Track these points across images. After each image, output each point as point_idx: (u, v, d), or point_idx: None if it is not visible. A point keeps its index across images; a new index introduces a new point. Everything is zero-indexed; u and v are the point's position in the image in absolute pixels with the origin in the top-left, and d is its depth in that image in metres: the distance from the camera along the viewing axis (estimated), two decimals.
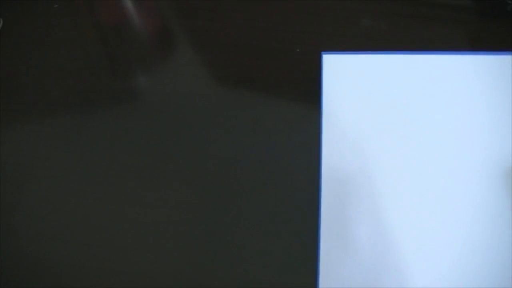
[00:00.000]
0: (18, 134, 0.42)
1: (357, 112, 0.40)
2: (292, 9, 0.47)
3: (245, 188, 0.38)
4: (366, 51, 0.43)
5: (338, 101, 0.40)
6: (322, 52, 0.43)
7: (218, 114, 0.42)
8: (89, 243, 0.37)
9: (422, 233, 0.35)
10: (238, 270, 0.35)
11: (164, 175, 0.40)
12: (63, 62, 0.46)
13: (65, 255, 0.37)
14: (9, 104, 0.44)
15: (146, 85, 0.44)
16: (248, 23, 0.47)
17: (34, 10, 0.49)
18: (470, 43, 0.43)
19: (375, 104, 0.40)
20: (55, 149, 0.41)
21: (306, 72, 0.43)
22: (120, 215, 0.38)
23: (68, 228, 0.38)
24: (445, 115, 0.39)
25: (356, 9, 0.46)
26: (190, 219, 0.38)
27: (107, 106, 0.43)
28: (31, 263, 0.37)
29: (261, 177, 0.39)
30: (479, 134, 0.38)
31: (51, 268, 0.36)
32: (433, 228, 0.35)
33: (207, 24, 0.47)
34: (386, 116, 0.40)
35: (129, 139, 0.41)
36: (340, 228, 0.36)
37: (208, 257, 0.36)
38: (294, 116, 0.41)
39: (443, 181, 0.37)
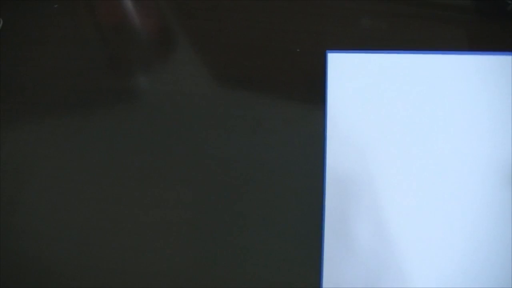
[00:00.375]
0: (18, 134, 0.42)
1: (361, 111, 0.40)
2: (292, 9, 0.47)
3: (246, 188, 0.38)
4: (367, 51, 0.43)
5: (342, 100, 0.41)
6: (327, 51, 0.43)
7: (218, 114, 0.42)
8: (89, 243, 0.37)
9: (425, 234, 0.35)
10: (240, 270, 0.35)
11: (164, 175, 0.39)
12: (63, 62, 0.46)
13: (65, 255, 0.37)
14: (9, 104, 0.44)
15: (146, 85, 0.44)
16: (248, 23, 0.47)
17: (34, 10, 0.49)
18: (470, 43, 0.43)
19: (379, 103, 0.40)
20: (55, 149, 0.41)
21: (306, 72, 0.43)
22: (120, 215, 0.38)
23: (68, 228, 0.38)
24: (448, 116, 0.39)
25: (356, 9, 0.46)
26: (190, 219, 0.38)
27: (107, 106, 0.43)
28: (31, 263, 0.37)
29: (262, 177, 0.39)
30: (481, 134, 0.38)
31: (51, 268, 0.36)
32: (436, 229, 0.35)
33: (207, 24, 0.47)
34: (390, 116, 0.40)
35: (129, 139, 0.41)
36: (344, 228, 0.36)
37: (209, 257, 0.36)
38: (294, 116, 0.41)
39: (445, 182, 0.37)
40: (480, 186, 0.36)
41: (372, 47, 0.43)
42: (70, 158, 0.41)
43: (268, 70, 0.44)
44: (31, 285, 0.36)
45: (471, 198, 0.36)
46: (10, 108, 0.44)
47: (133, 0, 0.50)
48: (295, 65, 0.44)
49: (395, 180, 0.37)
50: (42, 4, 0.49)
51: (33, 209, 0.39)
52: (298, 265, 0.35)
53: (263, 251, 0.36)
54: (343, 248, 0.35)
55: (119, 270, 0.36)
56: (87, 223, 0.38)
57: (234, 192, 0.38)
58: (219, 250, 0.36)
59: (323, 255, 0.35)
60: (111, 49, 0.47)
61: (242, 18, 0.47)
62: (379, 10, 0.46)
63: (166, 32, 0.48)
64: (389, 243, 0.35)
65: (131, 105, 0.43)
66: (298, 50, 0.44)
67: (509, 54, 0.41)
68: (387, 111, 0.40)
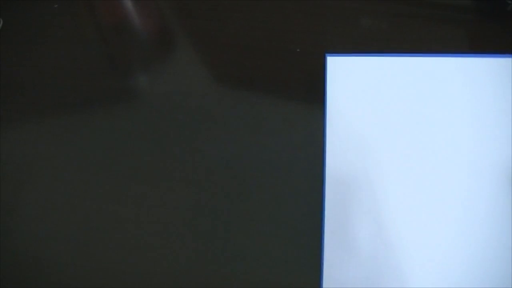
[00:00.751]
0: (18, 134, 0.42)
1: (360, 114, 0.40)
2: (292, 9, 0.47)
3: (246, 188, 0.38)
4: (367, 51, 0.43)
5: (342, 103, 0.41)
6: (326, 54, 0.43)
7: (218, 114, 0.42)
8: (88, 243, 0.37)
9: (425, 235, 0.35)
10: (240, 271, 0.35)
11: (164, 175, 0.39)
12: (63, 62, 0.46)
13: (65, 255, 0.37)
14: (9, 104, 0.44)
15: (146, 85, 0.44)
16: (248, 23, 0.47)
17: (34, 10, 0.49)
18: (470, 43, 0.43)
19: (378, 106, 0.40)
20: (55, 149, 0.41)
21: (306, 72, 0.43)
22: (120, 215, 0.38)
23: (68, 228, 0.38)
24: (448, 117, 0.39)
25: (356, 9, 0.46)
26: (190, 219, 0.38)
27: (107, 106, 0.43)
28: (31, 263, 0.37)
29: (261, 177, 0.39)
30: (481, 136, 0.38)
31: (51, 268, 0.36)
32: (436, 230, 0.35)
33: (207, 24, 0.47)
34: (389, 118, 0.40)
35: (129, 139, 0.41)
36: (344, 229, 0.36)
37: (209, 257, 0.36)
38: (294, 116, 0.41)
39: (445, 183, 0.37)
40: (480, 187, 0.36)
41: (372, 47, 0.43)
42: (70, 158, 0.41)
43: (268, 70, 0.44)
44: (31, 285, 0.36)
45: (472, 200, 0.36)
46: (10, 108, 0.44)
47: (133, 0, 0.50)
48: (295, 65, 0.44)
49: (395, 182, 0.37)
50: (42, 4, 0.49)
51: (33, 209, 0.39)
52: (298, 265, 0.35)
53: (263, 251, 0.36)
54: (343, 248, 0.35)
55: (119, 270, 0.36)
56: (87, 223, 0.38)
57: (234, 192, 0.38)
58: (219, 250, 0.36)
59: (323, 255, 0.35)
60: (111, 49, 0.47)
61: (242, 18, 0.47)
62: (379, 10, 0.46)
63: (166, 32, 0.48)
64: (389, 243, 0.35)
65: (131, 105, 0.43)
66: (298, 50, 0.44)
67: (509, 56, 0.41)
68: (386, 113, 0.40)
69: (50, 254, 0.37)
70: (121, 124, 0.42)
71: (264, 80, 0.43)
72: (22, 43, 0.47)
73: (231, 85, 0.43)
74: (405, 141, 0.39)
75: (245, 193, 0.38)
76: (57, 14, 0.49)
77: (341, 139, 0.39)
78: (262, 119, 0.41)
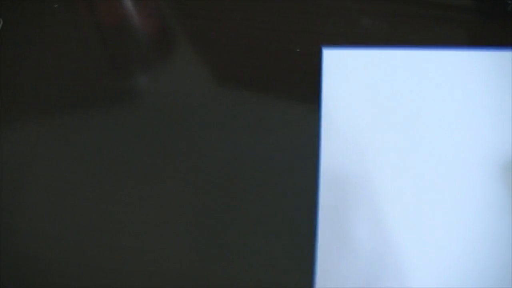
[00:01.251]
0: (18, 134, 0.42)
1: (356, 109, 0.40)
2: (292, 9, 0.47)
3: (244, 188, 0.38)
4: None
5: (338, 97, 0.40)
6: (323, 47, 0.43)
7: (218, 114, 0.42)
8: (89, 243, 0.37)
9: (421, 233, 0.35)
10: (236, 269, 0.35)
11: (164, 175, 0.39)
12: (63, 62, 0.46)
13: (65, 255, 0.37)
14: (9, 104, 0.44)
15: (146, 85, 0.44)
16: (248, 23, 0.47)
17: (34, 10, 0.49)
18: (470, 43, 0.43)
19: (375, 100, 0.40)
20: (55, 149, 0.41)
21: (306, 72, 0.43)
22: (120, 215, 0.38)
23: (68, 228, 0.38)
24: (446, 112, 0.39)
25: (356, 9, 0.46)
26: (189, 219, 0.38)
27: (107, 106, 0.43)
28: (31, 263, 0.37)
29: (261, 177, 0.39)
30: (479, 131, 0.38)
31: (51, 268, 0.36)
32: (433, 228, 0.35)
33: (207, 24, 0.47)
34: (386, 113, 0.40)
35: (129, 139, 0.41)
36: (338, 227, 0.36)
37: (206, 256, 0.36)
38: (294, 116, 0.41)
39: (442, 179, 0.37)
40: (480, 183, 0.36)
41: (372, 47, 0.43)
42: (70, 158, 0.41)
43: (268, 70, 0.44)
44: (31, 285, 0.36)
45: (471, 196, 0.36)
46: (10, 108, 0.44)
47: (133, 0, 0.50)
48: (295, 65, 0.44)
49: (392, 178, 0.37)
50: (42, 4, 0.49)
51: (33, 209, 0.39)
52: (295, 265, 0.35)
53: (260, 250, 0.36)
54: (338, 247, 0.35)
55: (119, 270, 0.36)
56: (87, 223, 0.38)
57: (233, 192, 0.38)
58: (219, 250, 0.36)
59: (317, 254, 0.35)
60: (111, 49, 0.47)
61: (242, 18, 0.47)
62: (379, 10, 0.46)
63: (166, 32, 0.48)
64: (385, 242, 0.35)
65: (131, 105, 0.43)
66: (298, 50, 0.44)
67: (509, 50, 0.41)
68: (384, 107, 0.40)
69: (50, 254, 0.37)
70: (121, 124, 0.42)
71: (264, 80, 0.43)
72: (22, 43, 0.47)
73: (231, 85, 0.43)
74: (402, 136, 0.38)
75: (243, 193, 0.38)
76: (57, 14, 0.49)
77: (337, 137, 0.39)
78: (261, 119, 0.41)
